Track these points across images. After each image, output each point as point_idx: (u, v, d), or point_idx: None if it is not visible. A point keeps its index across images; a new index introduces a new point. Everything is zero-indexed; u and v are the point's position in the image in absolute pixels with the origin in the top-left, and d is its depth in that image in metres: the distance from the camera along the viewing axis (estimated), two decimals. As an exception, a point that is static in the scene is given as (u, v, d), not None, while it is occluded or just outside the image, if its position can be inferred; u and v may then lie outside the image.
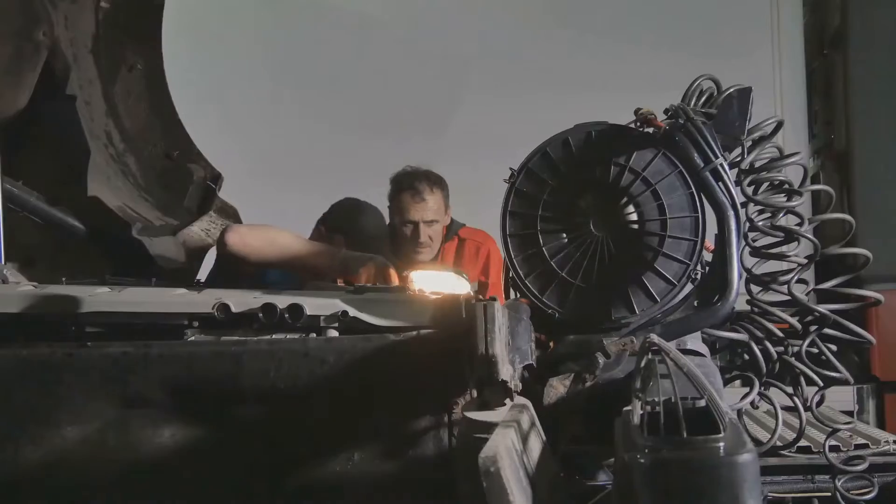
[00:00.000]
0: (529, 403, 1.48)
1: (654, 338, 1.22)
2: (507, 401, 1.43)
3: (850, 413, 3.67)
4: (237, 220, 3.06)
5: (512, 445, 1.20)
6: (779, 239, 1.78)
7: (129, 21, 3.00)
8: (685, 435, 1.08)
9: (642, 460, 1.08)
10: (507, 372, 1.44)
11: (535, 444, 1.38)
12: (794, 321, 1.76)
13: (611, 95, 4.03)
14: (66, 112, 2.69)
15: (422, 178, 3.15)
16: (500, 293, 2.04)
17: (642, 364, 1.20)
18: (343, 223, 2.89)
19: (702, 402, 1.16)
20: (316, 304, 1.71)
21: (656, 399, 1.14)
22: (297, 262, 2.51)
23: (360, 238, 2.84)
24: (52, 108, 2.67)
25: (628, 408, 1.27)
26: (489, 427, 1.35)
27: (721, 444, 1.07)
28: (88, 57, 2.91)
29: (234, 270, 2.53)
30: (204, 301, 1.74)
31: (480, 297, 1.56)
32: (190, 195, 3.03)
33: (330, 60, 4.41)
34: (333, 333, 1.70)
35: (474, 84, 4.48)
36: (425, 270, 2.22)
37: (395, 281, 2.29)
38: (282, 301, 1.70)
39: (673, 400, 1.16)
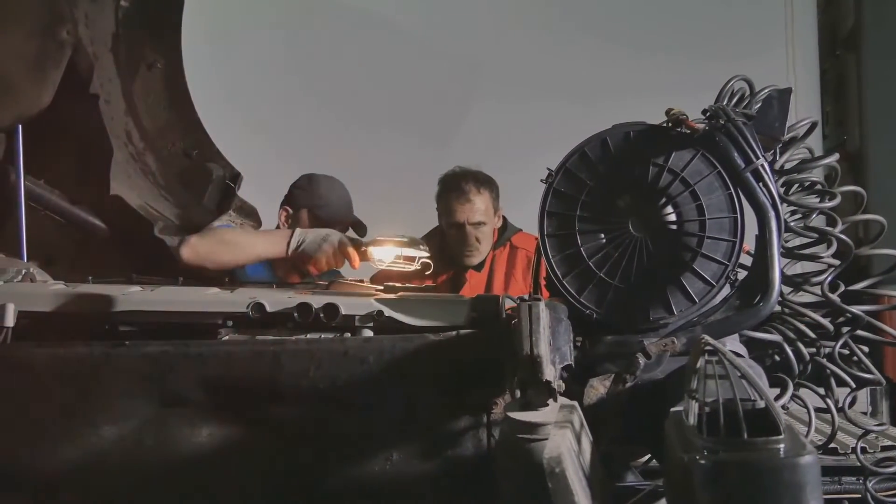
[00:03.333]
0: (577, 404, 1.47)
1: (708, 339, 1.22)
2: (551, 401, 1.43)
3: (863, 414, 3.68)
4: (256, 220, 3.04)
5: (570, 446, 1.19)
6: (811, 240, 1.78)
7: (149, 20, 2.99)
8: (746, 436, 1.07)
9: (702, 462, 1.07)
10: (551, 372, 1.43)
11: (586, 445, 1.37)
12: (826, 322, 1.76)
13: (622, 98, 4.03)
14: (88, 110, 2.68)
15: (469, 179, 3.07)
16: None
17: (698, 365, 1.19)
18: (305, 199, 2.86)
19: (761, 404, 1.15)
20: (351, 304, 1.71)
21: (714, 400, 1.14)
22: (252, 254, 2.50)
23: (325, 210, 2.83)
24: (74, 107, 2.66)
25: (677, 408, 1.26)
26: (534, 428, 1.35)
27: (781, 445, 1.07)
28: (108, 55, 2.89)
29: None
30: (238, 300, 1.74)
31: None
32: (209, 194, 3.01)
33: (348, 60, 4.42)
34: (368, 333, 1.70)
35: (492, 86, 4.49)
36: (383, 244, 2.19)
37: (356, 257, 2.26)
38: (317, 300, 1.70)
39: (725, 401, 1.16)
